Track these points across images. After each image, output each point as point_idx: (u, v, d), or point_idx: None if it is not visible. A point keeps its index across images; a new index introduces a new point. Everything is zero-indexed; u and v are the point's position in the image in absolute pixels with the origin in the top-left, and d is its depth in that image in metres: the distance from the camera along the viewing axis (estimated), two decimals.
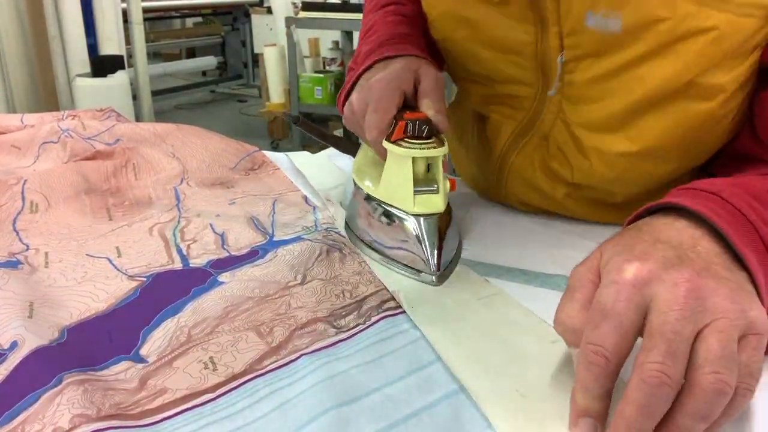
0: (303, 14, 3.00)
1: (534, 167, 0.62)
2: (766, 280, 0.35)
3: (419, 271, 0.50)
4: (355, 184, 0.58)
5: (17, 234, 0.58)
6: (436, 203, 0.51)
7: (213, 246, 0.56)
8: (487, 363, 0.39)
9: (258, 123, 4.03)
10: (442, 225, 0.51)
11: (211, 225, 0.60)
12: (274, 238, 0.58)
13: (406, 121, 0.50)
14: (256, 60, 4.48)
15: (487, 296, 0.48)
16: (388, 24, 0.66)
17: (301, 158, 0.82)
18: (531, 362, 0.40)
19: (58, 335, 0.42)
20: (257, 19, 4.64)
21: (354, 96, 0.56)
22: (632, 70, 0.50)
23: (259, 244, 0.56)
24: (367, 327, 0.44)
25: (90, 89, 2.70)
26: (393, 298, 0.48)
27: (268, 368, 0.39)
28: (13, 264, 0.52)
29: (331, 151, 0.84)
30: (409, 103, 0.54)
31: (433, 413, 0.35)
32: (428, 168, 0.51)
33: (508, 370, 0.39)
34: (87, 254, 0.54)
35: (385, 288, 0.49)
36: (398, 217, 0.51)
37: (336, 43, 3.40)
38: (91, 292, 0.48)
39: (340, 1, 3.09)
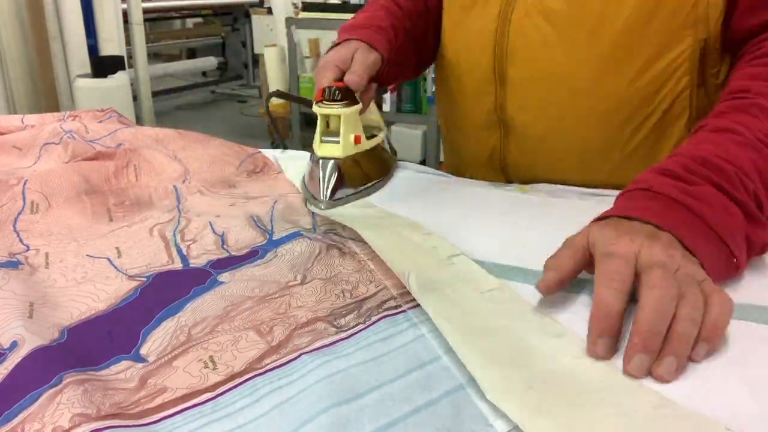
0: (303, 15, 2.99)
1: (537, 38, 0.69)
2: (708, 249, 0.44)
3: (316, 199, 0.65)
4: None
5: (18, 234, 0.58)
6: (335, 150, 0.65)
7: (213, 246, 0.56)
8: (494, 356, 0.39)
9: (258, 123, 4.03)
10: (347, 169, 0.66)
11: (211, 225, 0.60)
12: (274, 237, 0.58)
13: (325, 87, 0.64)
14: (257, 60, 4.47)
15: (489, 290, 0.48)
16: (373, 9, 0.79)
17: (301, 156, 0.81)
18: (536, 356, 0.40)
19: (58, 335, 0.42)
20: (257, 20, 4.63)
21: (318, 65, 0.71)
22: None
23: (259, 244, 0.56)
24: (368, 326, 0.44)
25: (90, 90, 2.70)
26: (393, 298, 0.48)
27: (268, 367, 0.39)
28: (13, 264, 0.52)
29: None
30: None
31: (433, 410, 0.35)
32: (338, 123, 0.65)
33: (515, 364, 0.39)
34: (87, 255, 0.54)
35: (386, 287, 0.49)
36: (313, 159, 0.67)
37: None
38: (91, 292, 0.48)
39: (340, 2, 3.09)
